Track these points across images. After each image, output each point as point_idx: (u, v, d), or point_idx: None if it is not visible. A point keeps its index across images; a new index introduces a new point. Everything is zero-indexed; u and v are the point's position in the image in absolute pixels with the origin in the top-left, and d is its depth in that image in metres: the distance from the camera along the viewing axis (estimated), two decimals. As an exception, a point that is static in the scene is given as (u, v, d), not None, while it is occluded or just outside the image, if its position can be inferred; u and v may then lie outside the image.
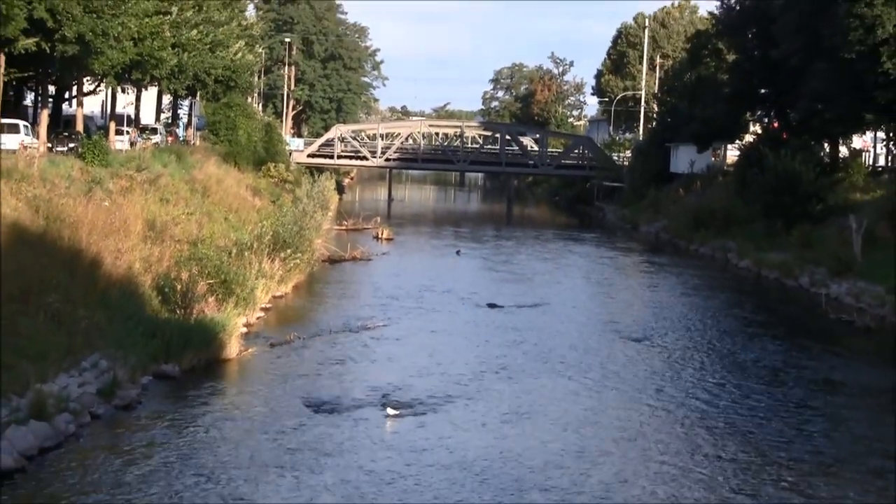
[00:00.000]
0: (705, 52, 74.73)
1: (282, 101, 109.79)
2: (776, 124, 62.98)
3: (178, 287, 26.20)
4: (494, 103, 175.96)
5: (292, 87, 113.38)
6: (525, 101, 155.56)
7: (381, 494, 16.62)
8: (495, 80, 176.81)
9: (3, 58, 33.99)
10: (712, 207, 58.92)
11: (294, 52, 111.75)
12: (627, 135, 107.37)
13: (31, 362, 19.29)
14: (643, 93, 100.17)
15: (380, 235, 56.51)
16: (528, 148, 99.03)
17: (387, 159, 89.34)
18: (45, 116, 41.10)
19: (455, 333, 30.63)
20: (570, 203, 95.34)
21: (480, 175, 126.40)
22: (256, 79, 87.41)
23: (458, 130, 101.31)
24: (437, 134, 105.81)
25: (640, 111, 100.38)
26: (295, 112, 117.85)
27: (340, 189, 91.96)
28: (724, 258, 52.18)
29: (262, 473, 17.29)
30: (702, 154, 72.59)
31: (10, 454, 16.54)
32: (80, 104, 47.23)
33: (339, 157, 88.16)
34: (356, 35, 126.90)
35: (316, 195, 51.76)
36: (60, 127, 47.92)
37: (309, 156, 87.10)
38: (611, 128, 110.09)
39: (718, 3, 67.63)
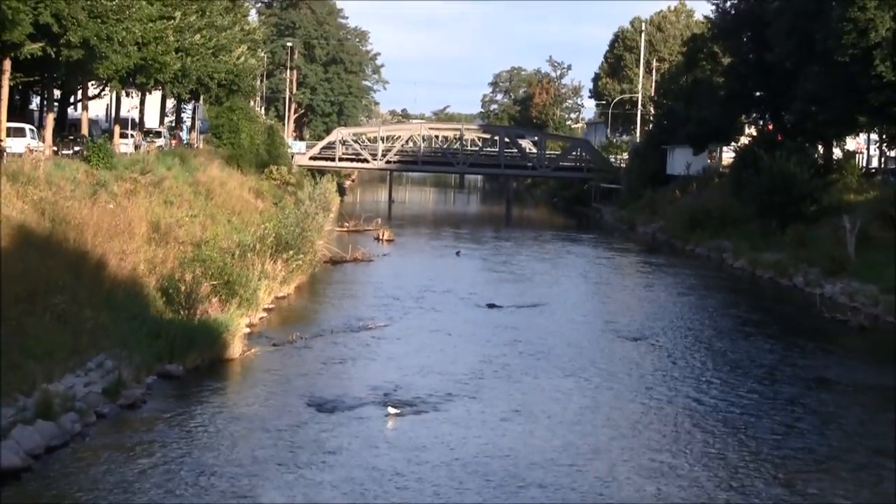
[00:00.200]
0: (701, 56, 74.91)
1: (284, 105, 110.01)
2: (771, 126, 63.14)
3: (182, 288, 26.40)
4: (493, 106, 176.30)
5: (294, 90, 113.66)
6: (523, 104, 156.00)
7: (383, 491, 16.77)
8: (494, 84, 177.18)
9: (9, 62, 34.15)
10: (708, 208, 59.18)
11: (296, 57, 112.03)
12: (624, 137, 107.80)
13: (37, 362, 19.40)
14: (640, 96, 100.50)
15: (381, 237, 56.62)
16: (527, 150, 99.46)
17: (387, 162, 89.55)
18: (50, 120, 41.28)
19: (455, 333, 30.74)
20: (568, 204, 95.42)
21: (480, 177, 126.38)
22: (259, 83, 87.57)
23: (458, 133, 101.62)
24: (436, 137, 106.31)
25: (636, 114, 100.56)
26: (297, 115, 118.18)
27: (342, 191, 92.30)
28: (720, 258, 52.38)
29: (265, 471, 17.42)
30: (698, 156, 72.93)
31: (17, 453, 16.59)
32: (84, 108, 47.45)
33: (341, 159, 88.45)
34: (357, 39, 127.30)
35: (317, 197, 52.11)
36: (66, 130, 48.14)
37: (311, 158, 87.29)
38: (608, 130, 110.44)
39: (714, 8, 67.86)
